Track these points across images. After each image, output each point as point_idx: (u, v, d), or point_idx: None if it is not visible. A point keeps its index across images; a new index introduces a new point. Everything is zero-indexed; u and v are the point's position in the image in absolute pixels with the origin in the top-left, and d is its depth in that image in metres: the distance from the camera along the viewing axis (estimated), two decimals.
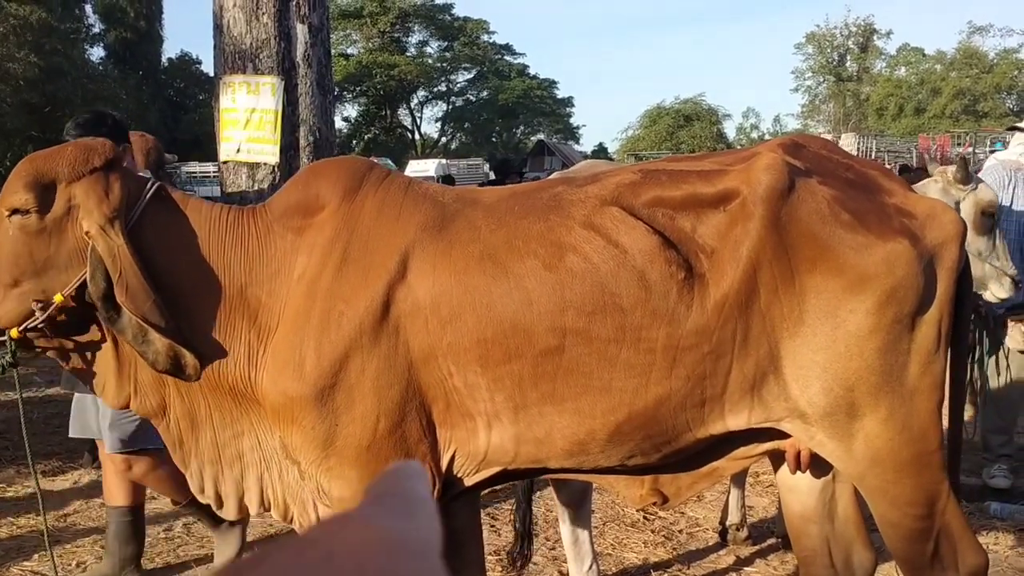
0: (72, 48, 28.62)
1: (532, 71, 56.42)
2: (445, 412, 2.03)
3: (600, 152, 51.90)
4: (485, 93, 54.41)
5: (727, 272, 1.94)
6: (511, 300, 1.96)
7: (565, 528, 3.24)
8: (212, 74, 5.08)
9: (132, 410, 2.20)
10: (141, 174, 2.64)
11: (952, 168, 3.89)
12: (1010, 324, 4.30)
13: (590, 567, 3.23)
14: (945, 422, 2.18)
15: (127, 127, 3.50)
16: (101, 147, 2.09)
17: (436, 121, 56.98)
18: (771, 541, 3.96)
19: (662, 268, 1.93)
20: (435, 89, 54.77)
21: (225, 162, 4.81)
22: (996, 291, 3.84)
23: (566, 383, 1.97)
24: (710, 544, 3.95)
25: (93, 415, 3.39)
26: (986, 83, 46.17)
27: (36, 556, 3.78)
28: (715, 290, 1.94)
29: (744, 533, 3.91)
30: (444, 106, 55.77)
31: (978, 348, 4.23)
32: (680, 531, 4.09)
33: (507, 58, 55.54)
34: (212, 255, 2.11)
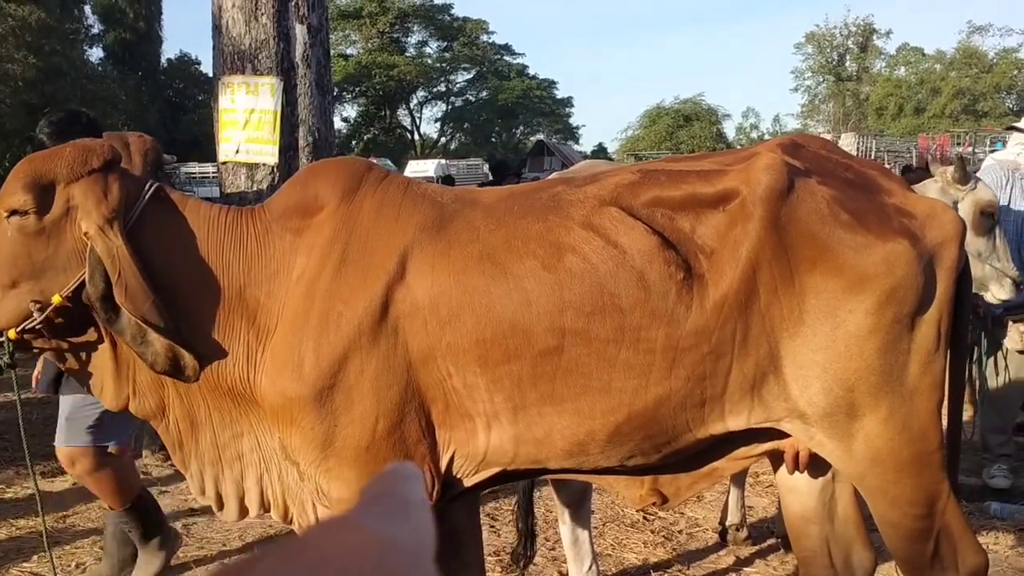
0: (71, 49, 28.63)
1: (531, 71, 56.56)
2: (444, 413, 2.03)
3: (600, 152, 51.95)
4: (484, 93, 54.43)
5: (726, 272, 1.94)
6: (510, 300, 1.96)
7: (565, 528, 3.24)
8: (211, 75, 5.08)
9: (131, 411, 2.20)
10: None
11: (951, 168, 3.89)
12: (1009, 324, 4.29)
13: (590, 567, 3.23)
14: (944, 422, 2.18)
15: (100, 125, 3.49)
16: (100, 148, 2.08)
17: (435, 121, 57.07)
18: (771, 541, 3.95)
19: (661, 268, 1.93)
20: (434, 89, 54.79)
21: (224, 163, 4.81)
22: (997, 292, 3.84)
23: (565, 384, 1.96)
24: (710, 544, 3.95)
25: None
26: (986, 83, 46.18)
27: (35, 557, 3.78)
28: (714, 290, 1.94)
29: (744, 533, 3.91)
30: (443, 106, 55.82)
31: (976, 348, 4.23)
32: (680, 531, 4.09)
33: (506, 58, 55.58)
34: (211, 256, 2.10)
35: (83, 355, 2.16)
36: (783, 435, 2.10)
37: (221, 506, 2.21)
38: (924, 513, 2.03)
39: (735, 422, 2.02)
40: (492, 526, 4.11)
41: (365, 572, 0.42)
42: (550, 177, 2.64)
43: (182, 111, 37.83)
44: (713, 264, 1.95)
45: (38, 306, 2.03)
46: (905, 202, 2.02)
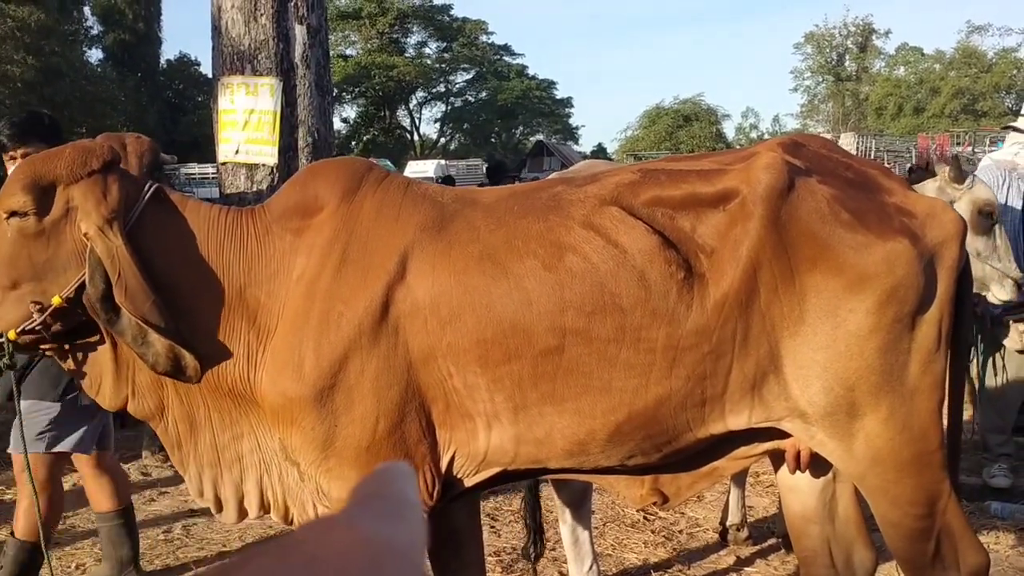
0: (70, 50, 28.65)
1: (531, 71, 56.59)
2: (445, 413, 2.03)
3: (599, 152, 51.95)
4: (484, 94, 54.44)
5: (727, 272, 1.94)
6: (511, 300, 1.96)
7: (565, 528, 3.23)
8: (210, 75, 5.08)
9: (130, 412, 2.19)
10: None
11: (948, 167, 3.88)
12: (1010, 324, 4.29)
13: (590, 567, 3.23)
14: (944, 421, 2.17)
15: (61, 128, 3.50)
16: (99, 149, 2.08)
17: (435, 122, 57.07)
18: (771, 541, 3.95)
19: (662, 268, 1.93)
20: (434, 90, 54.80)
21: (224, 163, 4.81)
22: (997, 293, 3.83)
23: (566, 383, 1.96)
24: (710, 544, 3.95)
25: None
26: (985, 82, 46.19)
27: None
28: (715, 290, 1.94)
29: (744, 533, 3.91)
30: (443, 107, 55.82)
31: (973, 348, 4.22)
32: (680, 531, 4.09)
33: (506, 58, 55.59)
34: (211, 256, 2.10)
35: (83, 356, 2.16)
36: (784, 435, 2.10)
37: (220, 508, 2.21)
38: (925, 513, 2.03)
39: (736, 421, 2.01)
40: (492, 526, 4.11)
41: (357, 572, 0.42)
42: (550, 177, 2.64)
43: (181, 112, 37.84)
44: (714, 263, 1.95)
45: (38, 307, 2.03)
46: (905, 201, 2.02)
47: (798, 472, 2.24)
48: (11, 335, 2.06)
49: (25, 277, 2.04)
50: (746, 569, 3.71)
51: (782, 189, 1.96)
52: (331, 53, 5.43)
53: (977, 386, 4.51)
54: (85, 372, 2.17)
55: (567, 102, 57.50)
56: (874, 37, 55.45)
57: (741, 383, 1.97)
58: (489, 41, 54.51)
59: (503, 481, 2.22)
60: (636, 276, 1.93)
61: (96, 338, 2.12)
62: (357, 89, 49.68)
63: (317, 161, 3.30)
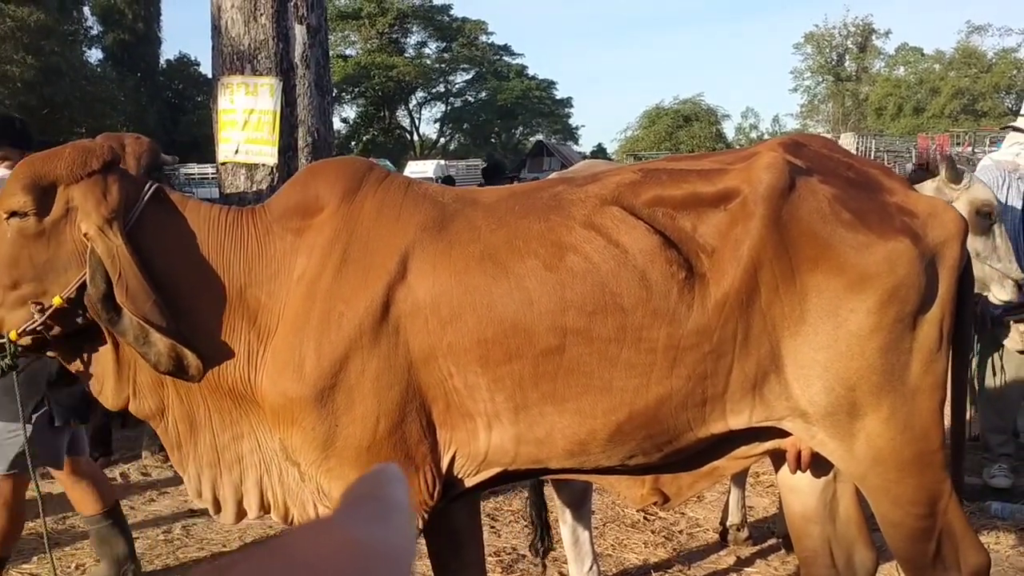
0: (70, 50, 28.64)
1: (531, 71, 56.53)
2: (445, 413, 2.03)
3: (599, 152, 51.87)
4: (484, 94, 54.41)
5: (728, 271, 1.93)
6: (511, 300, 1.95)
7: (565, 528, 3.23)
8: (210, 75, 5.08)
9: (131, 411, 2.19)
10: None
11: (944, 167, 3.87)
12: (1011, 324, 4.28)
13: (590, 567, 3.23)
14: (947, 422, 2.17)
15: (31, 133, 3.50)
16: (100, 149, 2.08)
17: (435, 122, 57.04)
18: (772, 541, 3.95)
19: (663, 268, 1.93)
20: (433, 90, 54.77)
21: (223, 163, 4.81)
22: (998, 293, 3.81)
23: (567, 383, 1.96)
24: (710, 544, 3.95)
25: None
26: (985, 82, 46.19)
27: (35, 559, 3.78)
28: (716, 289, 1.94)
29: (745, 533, 3.91)
30: (443, 107, 55.79)
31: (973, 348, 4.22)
32: (680, 531, 4.08)
33: (506, 59, 55.57)
34: (211, 256, 2.10)
35: (84, 356, 2.16)
36: (784, 434, 2.09)
37: (218, 509, 2.21)
38: (926, 513, 2.02)
39: (736, 421, 2.01)
40: (492, 526, 4.11)
41: (345, 574, 0.42)
42: (550, 177, 2.64)
43: (181, 112, 37.83)
44: (714, 263, 1.95)
45: (39, 307, 2.03)
46: (907, 201, 2.01)
47: (799, 472, 2.24)
48: (12, 336, 2.06)
49: (25, 277, 2.03)
50: (746, 569, 3.71)
51: (783, 189, 1.95)
52: (331, 53, 5.43)
53: (977, 386, 4.51)
54: (87, 372, 2.17)
55: (567, 102, 57.50)
56: (874, 37, 55.51)
57: (742, 383, 1.97)
58: (489, 41, 54.52)
59: (503, 481, 2.22)
60: (637, 276, 1.93)
61: (97, 338, 2.12)
62: (357, 89, 49.65)
63: (317, 161, 3.30)
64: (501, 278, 1.96)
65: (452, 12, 53.05)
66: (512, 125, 56.30)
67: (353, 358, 1.97)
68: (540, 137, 50.74)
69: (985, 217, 3.77)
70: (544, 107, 55.27)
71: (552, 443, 2.02)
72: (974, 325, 4.02)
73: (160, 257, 2.07)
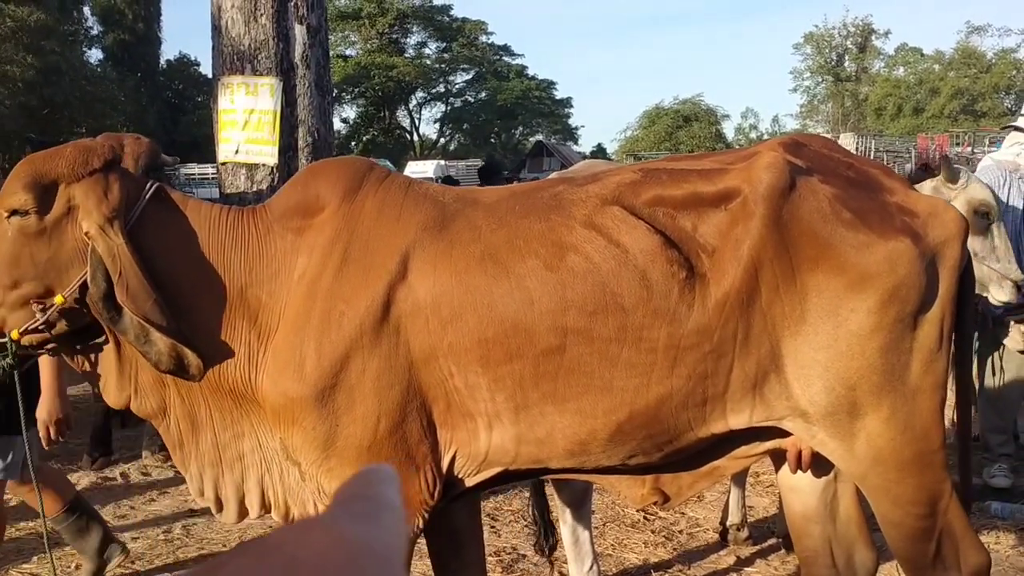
0: (70, 50, 28.61)
1: (531, 72, 56.44)
2: (446, 412, 2.03)
3: (599, 153, 51.87)
4: (484, 94, 54.39)
5: (728, 271, 1.94)
6: (512, 300, 1.95)
7: (565, 528, 3.24)
8: (210, 75, 5.08)
9: (133, 410, 2.19)
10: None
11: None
12: (1011, 324, 4.29)
13: (590, 567, 3.23)
14: (949, 423, 2.17)
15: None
16: (100, 148, 2.08)
17: (435, 122, 56.99)
18: (772, 541, 3.95)
19: (663, 267, 1.93)
20: (433, 90, 54.73)
21: (223, 163, 4.81)
22: (996, 294, 3.80)
23: (567, 383, 1.96)
24: (710, 544, 3.95)
25: None
26: (984, 83, 46.19)
27: (35, 558, 3.78)
28: (716, 289, 1.94)
29: (745, 533, 3.91)
30: (443, 107, 55.75)
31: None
32: (680, 531, 4.09)
33: (505, 59, 55.53)
34: (212, 255, 2.10)
35: (86, 355, 2.16)
36: (785, 434, 2.10)
37: (220, 508, 2.21)
38: (926, 512, 2.02)
39: (737, 421, 2.01)
40: (492, 526, 4.11)
41: (335, 572, 0.42)
42: (550, 176, 2.64)
43: (181, 112, 37.83)
44: (715, 263, 1.95)
45: (40, 307, 2.03)
46: (907, 200, 2.02)
47: (799, 472, 2.24)
48: (14, 335, 2.06)
49: (27, 276, 2.03)
50: (746, 569, 3.71)
51: (783, 188, 1.96)
52: (331, 53, 5.43)
53: (977, 386, 4.51)
54: (91, 371, 2.17)
55: (567, 102, 57.46)
56: (873, 37, 55.50)
57: (742, 382, 1.97)
58: (489, 41, 54.47)
59: (504, 481, 2.22)
60: (638, 276, 1.93)
61: (99, 337, 2.13)
62: (357, 89, 49.62)
63: (318, 161, 3.30)
64: (502, 278, 1.97)
65: (452, 12, 53.06)
66: (512, 125, 56.27)
67: (354, 358, 1.97)
68: (540, 137, 50.72)
69: (983, 217, 3.76)
70: (544, 107, 55.23)
71: (553, 443, 2.02)
72: (976, 325, 4.02)
73: (161, 256, 2.07)
